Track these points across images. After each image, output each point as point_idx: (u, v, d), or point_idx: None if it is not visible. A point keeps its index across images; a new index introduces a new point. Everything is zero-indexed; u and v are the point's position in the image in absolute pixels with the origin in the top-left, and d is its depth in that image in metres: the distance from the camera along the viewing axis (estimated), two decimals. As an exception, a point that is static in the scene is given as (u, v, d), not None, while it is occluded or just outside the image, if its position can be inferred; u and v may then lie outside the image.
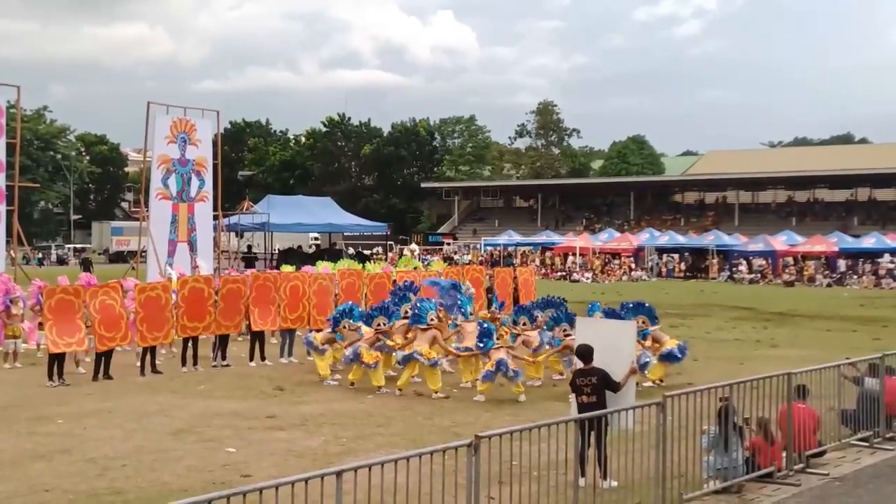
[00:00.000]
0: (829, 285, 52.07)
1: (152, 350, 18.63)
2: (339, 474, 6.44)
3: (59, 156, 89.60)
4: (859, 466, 11.23)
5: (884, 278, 51.65)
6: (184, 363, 19.00)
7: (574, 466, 8.96)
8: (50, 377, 17.04)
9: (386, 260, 40.19)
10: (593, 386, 10.09)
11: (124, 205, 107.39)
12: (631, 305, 17.96)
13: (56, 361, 17.20)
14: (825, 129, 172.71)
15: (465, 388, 16.78)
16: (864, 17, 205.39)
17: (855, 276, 53.21)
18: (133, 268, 31.21)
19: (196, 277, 20.89)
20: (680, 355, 17.45)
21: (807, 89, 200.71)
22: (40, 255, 70.81)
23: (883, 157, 73.86)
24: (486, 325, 16.87)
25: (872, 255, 54.56)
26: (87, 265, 42.91)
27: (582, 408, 10.01)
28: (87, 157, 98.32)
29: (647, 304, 18.19)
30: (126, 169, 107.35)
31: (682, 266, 59.66)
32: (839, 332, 27.14)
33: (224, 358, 19.62)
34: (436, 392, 16.01)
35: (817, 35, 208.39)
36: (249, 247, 44.32)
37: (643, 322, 17.25)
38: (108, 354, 17.81)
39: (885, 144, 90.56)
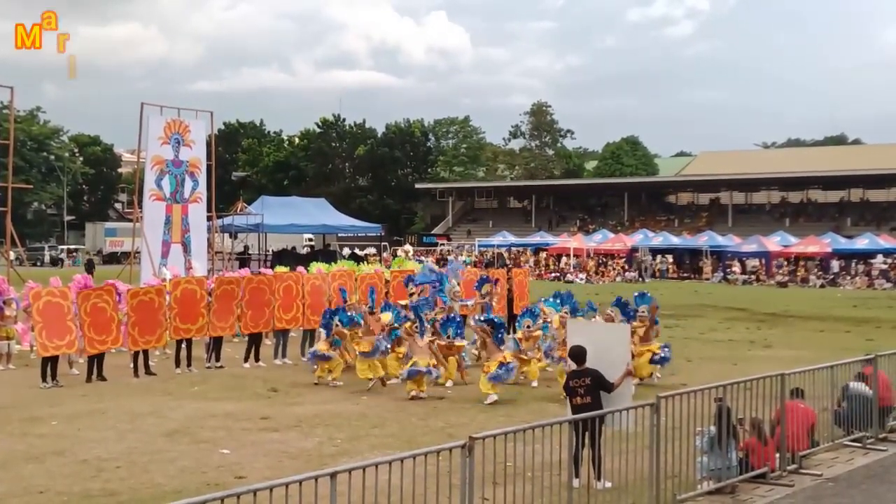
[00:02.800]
0: (822, 286, 52.21)
1: (146, 351, 18.62)
2: (333, 475, 6.44)
3: (52, 157, 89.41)
4: (852, 467, 11.26)
5: (877, 279, 51.84)
6: (177, 364, 18.98)
7: (568, 467, 8.97)
8: (43, 378, 17.02)
9: (380, 261, 40.14)
10: (587, 387, 10.09)
11: (118, 206, 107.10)
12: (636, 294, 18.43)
13: (49, 363, 17.18)
14: (818, 130, 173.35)
15: (459, 390, 16.81)
16: (856, 18, 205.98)
17: (848, 277, 53.37)
18: (130, 264, 31.18)
19: (188, 279, 20.85)
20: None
21: (800, 90, 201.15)
22: (62, 256, 71.33)
23: (876, 158, 74.01)
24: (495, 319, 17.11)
25: (865, 255, 54.76)
26: (90, 267, 42.69)
27: (576, 409, 10.02)
28: (81, 158, 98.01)
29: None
30: (120, 170, 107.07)
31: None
32: (832, 332, 27.21)
33: (218, 359, 19.61)
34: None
35: (810, 36, 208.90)
36: (246, 247, 44.21)
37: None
38: (100, 356, 17.80)
39: (878, 145, 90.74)
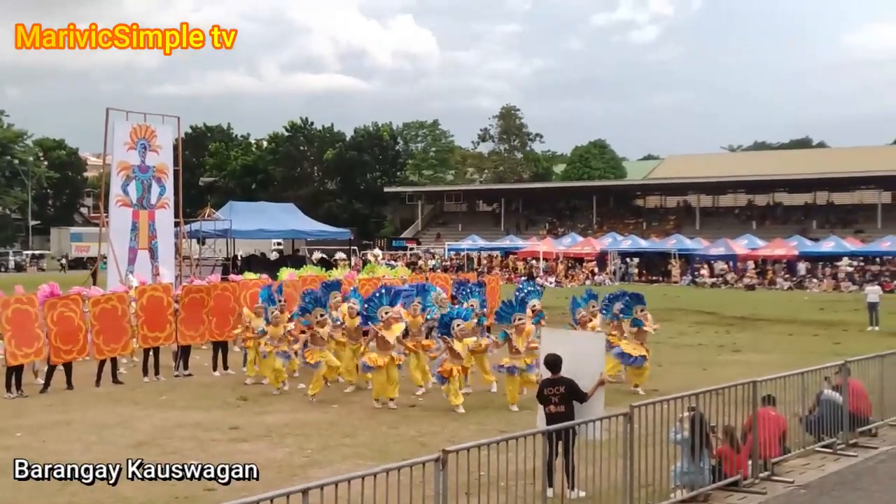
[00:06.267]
0: (789, 288, 52.64)
1: (113, 360, 18.38)
2: (305, 492, 6.35)
3: (16, 161, 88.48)
4: (824, 473, 11.29)
5: (843, 281, 52.29)
6: (145, 373, 18.75)
7: (542, 476, 8.92)
8: (8, 388, 16.76)
9: (350, 266, 39.93)
10: (561, 396, 10.07)
11: (84, 210, 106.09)
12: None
13: (14, 373, 16.91)
14: (783, 133, 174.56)
15: (430, 397, 16.73)
16: (818, 21, 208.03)
17: (815, 280, 53.82)
18: (95, 272, 30.78)
19: (154, 286, 20.65)
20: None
21: (764, 93, 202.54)
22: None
23: (840, 161, 74.85)
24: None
25: (831, 258, 55.27)
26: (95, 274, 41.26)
27: (550, 418, 9.99)
28: (45, 162, 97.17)
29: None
30: (85, 174, 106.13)
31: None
32: (800, 336, 27.39)
33: (186, 367, 19.42)
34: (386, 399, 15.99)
35: (772, 40, 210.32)
36: (262, 254, 43.21)
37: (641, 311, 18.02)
38: (66, 365, 17.55)
39: (843, 149, 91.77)
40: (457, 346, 15.72)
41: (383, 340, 16.10)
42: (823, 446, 12.23)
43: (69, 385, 17.40)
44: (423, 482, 7.50)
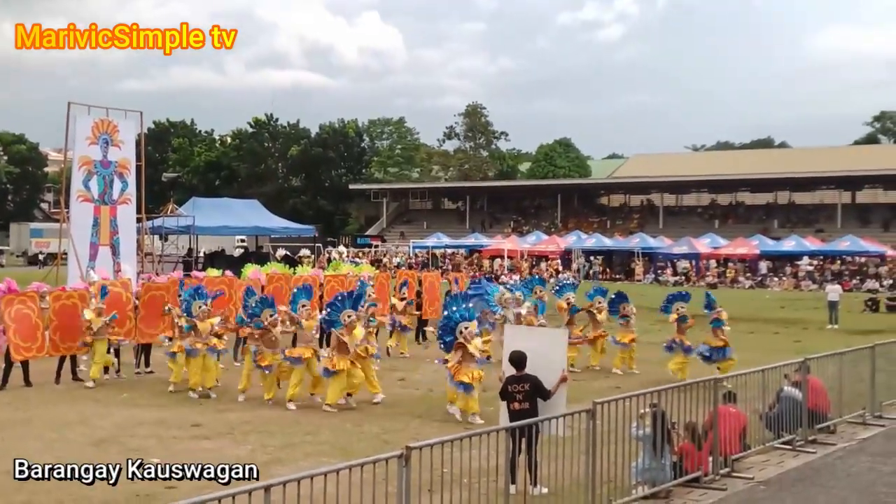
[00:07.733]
0: (751, 287, 53.18)
1: (73, 358, 18.18)
2: (267, 489, 6.32)
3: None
4: (783, 470, 11.43)
5: (803, 280, 52.93)
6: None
7: (505, 473, 8.95)
8: (-35, 387, 16.53)
9: (314, 264, 39.75)
10: (525, 393, 10.11)
11: (44, 206, 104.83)
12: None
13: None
14: (746, 134, 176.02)
15: (393, 395, 16.66)
16: (780, 24, 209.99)
17: (776, 279, 54.41)
18: (57, 266, 30.41)
19: (113, 281, 20.44)
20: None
21: (727, 94, 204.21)
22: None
23: (801, 161, 75.69)
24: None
25: (792, 257, 55.91)
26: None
27: (514, 415, 10.03)
28: (5, 157, 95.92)
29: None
30: (46, 169, 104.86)
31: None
32: (762, 334, 27.66)
33: (147, 364, 19.25)
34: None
35: (737, 41, 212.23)
36: (289, 255, 42.48)
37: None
38: (24, 363, 17.33)
39: (804, 149, 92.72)
40: (471, 347, 14.73)
41: (344, 345, 15.66)
42: (783, 443, 12.39)
43: (27, 382, 17.19)
44: (387, 479, 7.49)
